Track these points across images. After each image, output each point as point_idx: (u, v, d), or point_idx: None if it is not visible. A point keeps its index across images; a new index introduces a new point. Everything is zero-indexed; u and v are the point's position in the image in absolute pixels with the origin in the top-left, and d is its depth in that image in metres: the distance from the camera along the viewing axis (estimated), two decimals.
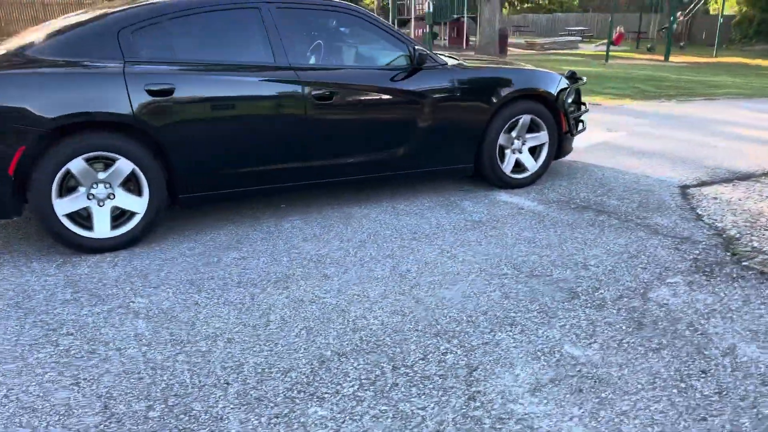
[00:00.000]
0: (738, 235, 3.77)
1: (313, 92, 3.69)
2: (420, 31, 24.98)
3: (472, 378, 2.24)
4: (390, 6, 27.17)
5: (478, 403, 2.10)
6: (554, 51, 24.50)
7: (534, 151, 4.71)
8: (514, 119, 4.46)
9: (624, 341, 2.53)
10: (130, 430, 1.94)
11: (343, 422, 2.00)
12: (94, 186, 3.29)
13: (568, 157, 5.33)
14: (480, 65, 4.62)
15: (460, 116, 4.25)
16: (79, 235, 3.28)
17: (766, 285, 3.09)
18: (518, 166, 4.66)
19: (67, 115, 3.09)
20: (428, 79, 4.09)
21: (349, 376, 2.25)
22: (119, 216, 3.40)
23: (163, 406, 2.07)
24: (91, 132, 3.21)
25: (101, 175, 3.28)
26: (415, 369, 2.30)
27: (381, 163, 4.09)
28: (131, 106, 3.21)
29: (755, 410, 2.06)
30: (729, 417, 2.03)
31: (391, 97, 3.99)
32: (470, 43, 23.08)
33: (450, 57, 4.67)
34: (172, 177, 3.46)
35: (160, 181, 3.42)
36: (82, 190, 3.27)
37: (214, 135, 3.50)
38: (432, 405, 2.09)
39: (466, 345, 2.47)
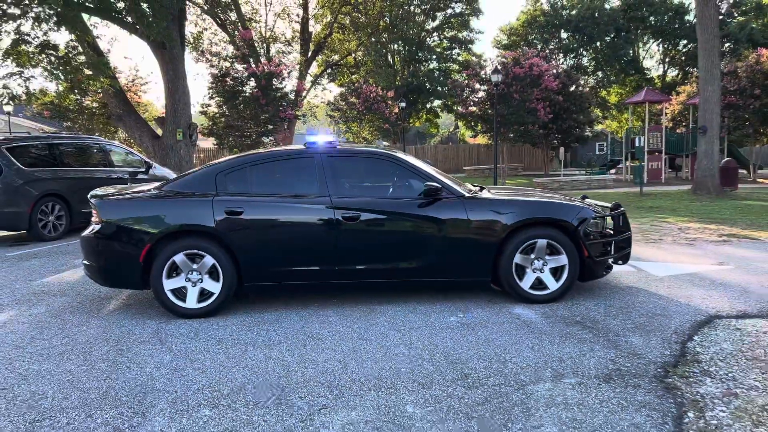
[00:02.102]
0: (704, 360, 3.94)
1: (343, 214, 5.05)
2: (653, 164, 24.54)
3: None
4: (624, 140, 27.33)
5: None
6: None
7: (557, 272, 5.30)
8: (530, 242, 5.20)
9: (463, 411, 3.25)
10: None
11: None
12: (190, 273, 5.03)
13: (630, 282, 5.68)
14: (496, 197, 5.48)
15: (471, 238, 5.17)
16: (177, 304, 5.01)
17: (652, 394, 3.41)
18: (541, 284, 5.29)
19: (179, 225, 4.95)
20: (440, 208, 5.15)
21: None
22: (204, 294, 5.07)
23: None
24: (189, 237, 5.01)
25: (194, 266, 5.03)
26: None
27: (402, 272, 5.18)
28: (214, 221, 4.96)
29: None
30: None
31: (407, 221, 5.14)
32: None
33: (478, 189, 5.67)
34: (239, 270, 5.06)
35: (232, 272, 5.03)
36: (182, 275, 5.04)
37: (268, 242, 5.05)
38: None
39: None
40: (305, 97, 29.63)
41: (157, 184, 5.45)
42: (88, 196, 5.34)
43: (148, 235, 4.95)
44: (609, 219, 5.81)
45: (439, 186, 5.17)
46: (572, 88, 28.73)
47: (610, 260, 5.67)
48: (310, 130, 5.67)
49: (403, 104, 32.73)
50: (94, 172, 10.52)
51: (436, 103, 44.07)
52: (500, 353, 4.10)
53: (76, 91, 14.13)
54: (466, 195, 5.34)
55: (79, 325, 4.93)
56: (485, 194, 5.54)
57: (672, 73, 46.18)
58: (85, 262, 5.21)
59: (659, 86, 43.21)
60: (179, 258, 4.97)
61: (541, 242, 5.22)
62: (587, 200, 6.28)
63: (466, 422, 3.08)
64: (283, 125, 27.72)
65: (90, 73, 12.34)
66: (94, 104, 18.83)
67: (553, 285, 5.28)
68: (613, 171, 28.53)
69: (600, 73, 45.96)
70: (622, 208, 5.71)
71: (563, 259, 5.24)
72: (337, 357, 4.07)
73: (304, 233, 5.11)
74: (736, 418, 3.12)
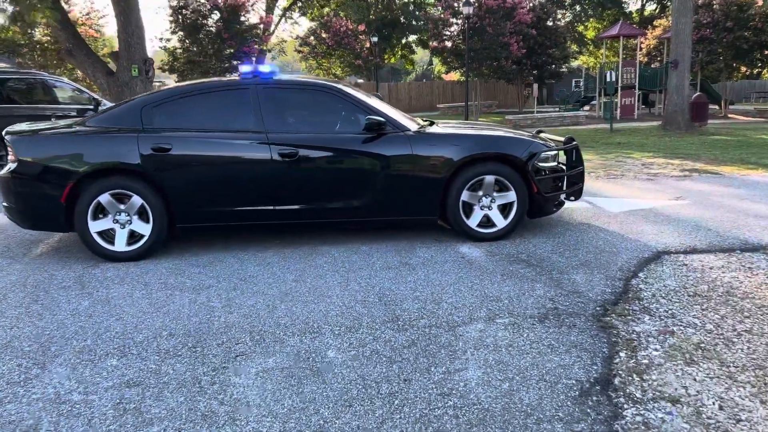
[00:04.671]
0: (645, 298, 3.82)
1: (279, 151, 4.76)
2: (625, 100, 24.31)
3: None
4: (598, 76, 26.97)
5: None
6: None
7: (505, 209, 5.11)
8: (478, 178, 4.97)
9: (387, 354, 3.08)
10: None
11: None
12: (118, 214, 4.74)
13: (583, 218, 5.53)
14: (443, 131, 5.21)
15: (416, 175, 4.93)
16: (104, 247, 4.74)
17: (586, 333, 3.27)
18: (489, 222, 5.11)
19: (101, 163, 4.62)
20: (385, 143, 4.88)
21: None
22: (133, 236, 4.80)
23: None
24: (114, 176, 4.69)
25: (121, 206, 4.73)
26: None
27: (345, 211, 4.95)
28: (140, 159, 4.63)
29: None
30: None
31: (350, 157, 4.87)
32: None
33: (428, 123, 5.40)
34: (170, 211, 4.78)
35: (162, 213, 4.75)
36: (109, 216, 4.74)
37: (199, 181, 4.75)
38: None
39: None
40: (274, 31, 28.60)
41: (78, 119, 5.07)
42: (3, 132, 4.96)
43: (68, 174, 4.62)
44: (562, 154, 5.60)
45: (383, 120, 4.88)
46: (549, 23, 28.04)
47: (562, 196, 5.49)
48: (246, 61, 5.28)
49: (375, 39, 31.78)
50: (37, 110, 9.97)
51: (412, 38, 42.89)
52: (437, 293, 3.93)
53: (18, 23, 13.29)
54: (412, 130, 5.06)
55: None
56: (433, 129, 5.27)
57: (650, 6, 45.28)
58: (5, 204, 4.88)
59: (637, 20, 42.39)
60: (104, 198, 4.67)
61: (489, 178, 5.00)
62: (541, 134, 6.05)
63: (387, 366, 2.92)
64: (249, 61, 26.87)
65: (29, 1, 11.56)
66: (45, 38, 17.86)
67: (501, 222, 5.10)
68: (587, 108, 28.26)
69: (578, 7, 44.90)
70: (575, 142, 5.48)
71: (512, 196, 5.04)
72: (266, 301, 3.87)
73: (239, 171, 4.82)
74: (668, 357, 3.00)
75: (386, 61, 42.56)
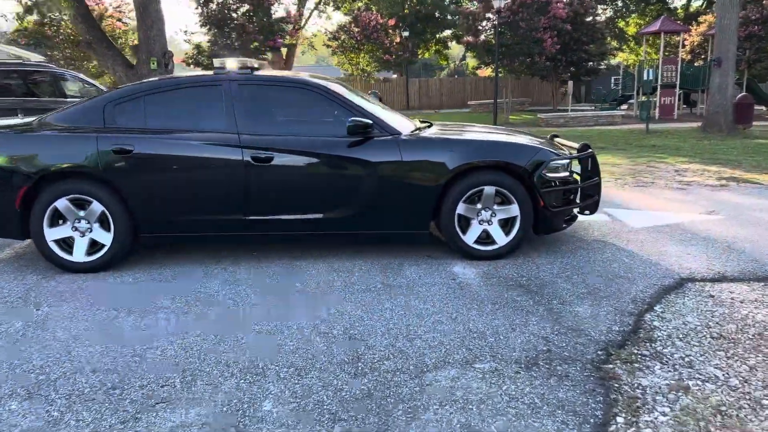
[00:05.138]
0: (659, 339, 3.23)
1: (253, 155, 4.27)
2: (665, 99, 23.21)
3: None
4: (636, 74, 25.85)
5: None
6: None
7: (507, 224, 4.54)
8: (476, 189, 4.41)
9: (332, 409, 2.57)
10: None
11: None
12: (77, 221, 4.32)
13: (600, 234, 4.94)
14: (438, 136, 4.65)
15: (406, 184, 4.39)
16: (62, 257, 4.33)
17: (579, 388, 2.71)
18: (488, 238, 4.54)
19: (57, 165, 4.20)
20: (372, 148, 4.35)
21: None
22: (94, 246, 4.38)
23: None
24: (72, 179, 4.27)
25: (81, 213, 4.31)
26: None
27: (327, 224, 4.44)
28: (99, 161, 4.21)
29: None
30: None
31: (332, 164, 4.36)
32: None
33: (427, 125, 4.85)
34: (133, 219, 4.34)
35: (124, 221, 4.32)
36: (68, 223, 4.33)
37: (163, 187, 4.30)
38: None
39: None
40: (304, 25, 28.19)
41: (44, 116, 4.67)
42: None
43: (21, 177, 4.23)
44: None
45: (369, 122, 4.34)
46: (588, 18, 26.97)
47: (575, 210, 4.89)
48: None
49: (406, 33, 31.10)
50: (41, 103, 9.72)
51: (447, 33, 42.03)
52: (413, 326, 3.40)
53: (36, 13, 13.14)
54: (403, 134, 4.51)
55: None
56: (427, 133, 4.72)
57: (696, 2, 43.50)
58: None
59: (682, 17, 40.77)
60: (62, 204, 4.27)
61: (489, 189, 4.43)
62: (557, 140, 5.45)
63: (327, 427, 2.41)
64: (278, 55, 26.52)
65: None
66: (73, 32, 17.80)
67: (501, 239, 4.52)
68: (624, 107, 27.15)
69: (619, 2, 43.39)
70: (591, 150, 4.86)
71: (514, 210, 4.46)
72: (217, 329, 3.40)
73: (207, 176, 4.36)
74: (678, 425, 2.42)
75: (420, 57, 41.88)
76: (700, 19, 27.93)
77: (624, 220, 5.78)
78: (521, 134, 5.20)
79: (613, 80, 37.12)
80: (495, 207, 4.49)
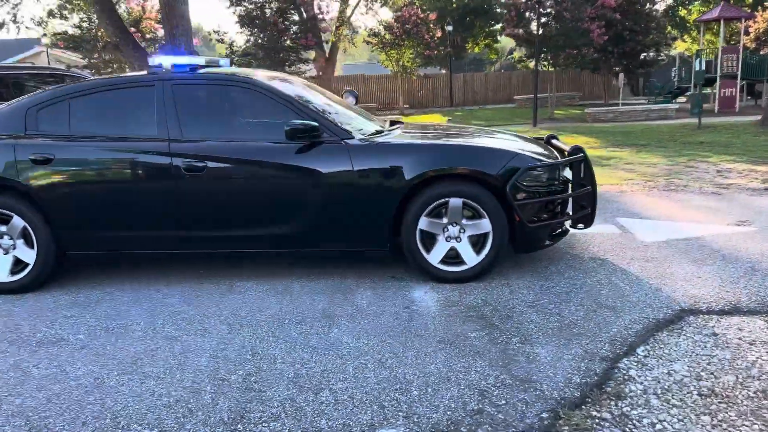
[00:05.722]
0: (629, 396, 2.56)
1: (184, 163, 3.79)
2: (725, 91, 21.64)
3: None
4: (696, 64, 24.23)
5: None
6: None
7: (479, 241, 3.90)
8: (440, 201, 3.80)
9: None
10: None
11: None
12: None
13: (602, 249, 4.24)
14: (395, 140, 4.03)
15: (358, 196, 3.81)
16: None
17: None
18: (457, 257, 3.91)
19: None
20: (319, 155, 3.80)
21: None
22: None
23: None
24: None
25: (3, 228, 3.94)
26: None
27: (270, 240, 3.92)
28: (18, 171, 3.82)
29: None
30: None
31: (273, 173, 3.84)
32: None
33: (400, 125, 4.27)
34: (57, 235, 3.94)
35: (48, 238, 3.92)
36: None
37: (87, 199, 3.87)
38: None
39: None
40: (348, 19, 27.75)
41: None
42: None
43: None
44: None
45: (314, 125, 3.77)
46: (644, 7, 25.43)
47: (567, 224, 4.20)
48: (176, 49, 4.36)
49: (449, 28, 30.20)
50: None
51: (497, 26, 40.73)
52: (330, 371, 2.83)
53: (56, 14, 13.16)
54: (357, 138, 3.93)
55: None
56: (386, 137, 4.12)
57: None
58: None
59: (750, 2, 38.23)
60: None
61: (455, 202, 3.80)
62: (554, 141, 4.75)
63: None
64: (320, 52, 26.19)
65: None
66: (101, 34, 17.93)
67: (471, 259, 3.89)
68: (683, 99, 25.55)
69: None
70: (582, 154, 4.13)
71: (485, 225, 3.82)
72: (103, 370, 2.93)
73: (136, 188, 3.91)
74: None
75: (469, 51, 40.85)
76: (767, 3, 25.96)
77: (635, 232, 5.00)
78: (523, 139, 4.57)
79: (673, 72, 35.18)
80: (464, 222, 3.86)
